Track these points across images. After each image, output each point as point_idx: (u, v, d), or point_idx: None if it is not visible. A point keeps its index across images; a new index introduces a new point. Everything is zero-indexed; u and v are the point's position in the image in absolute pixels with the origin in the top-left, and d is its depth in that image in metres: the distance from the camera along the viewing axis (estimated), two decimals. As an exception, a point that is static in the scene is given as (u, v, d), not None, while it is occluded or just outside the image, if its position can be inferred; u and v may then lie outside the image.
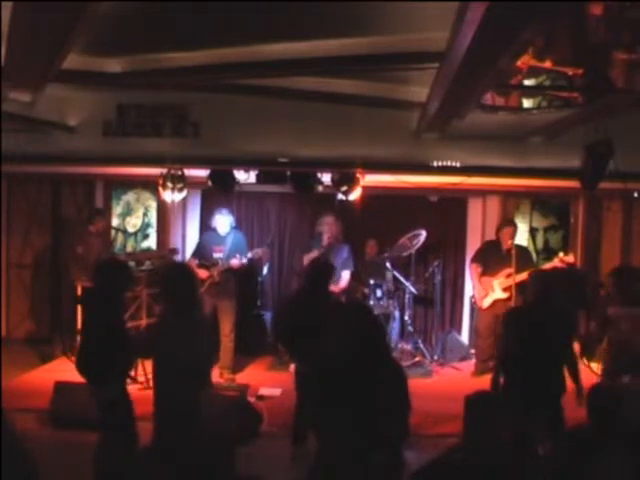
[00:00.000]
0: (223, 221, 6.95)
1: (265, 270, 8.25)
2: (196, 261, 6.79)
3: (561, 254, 6.96)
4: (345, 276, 7.08)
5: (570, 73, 4.19)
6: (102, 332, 4.30)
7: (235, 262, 6.71)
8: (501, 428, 2.90)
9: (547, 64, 4.05)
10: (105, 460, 4.22)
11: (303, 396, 5.01)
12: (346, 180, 6.67)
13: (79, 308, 7.10)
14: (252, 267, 7.85)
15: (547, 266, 6.99)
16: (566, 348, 4.65)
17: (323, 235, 6.99)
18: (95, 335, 4.37)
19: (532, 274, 5.11)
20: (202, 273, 6.56)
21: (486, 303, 7.19)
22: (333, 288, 6.64)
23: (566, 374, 4.58)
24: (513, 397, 4.28)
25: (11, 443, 2.56)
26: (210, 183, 6.91)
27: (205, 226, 7.81)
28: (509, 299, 6.69)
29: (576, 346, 7.93)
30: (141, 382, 6.07)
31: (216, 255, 6.87)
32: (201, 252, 7.00)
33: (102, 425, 4.35)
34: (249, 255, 6.82)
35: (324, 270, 5.22)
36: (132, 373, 5.41)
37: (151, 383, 5.99)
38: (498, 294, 7.09)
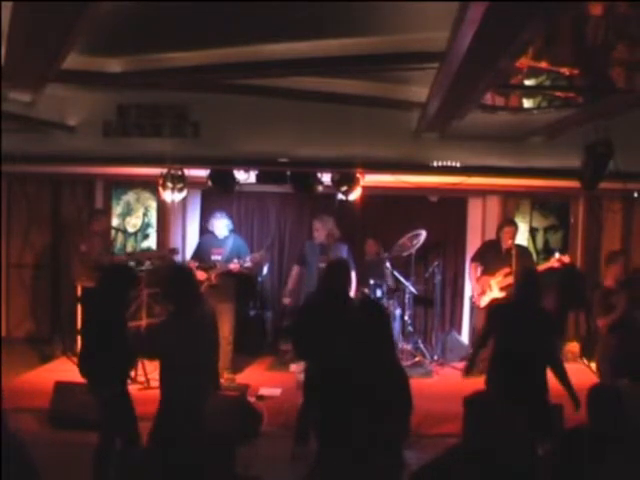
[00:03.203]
0: (220, 224, 6.95)
1: (265, 270, 8.25)
2: (196, 263, 6.77)
3: (557, 254, 6.99)
4: (353, 277, 7.08)
5: (570, 73, 4.19)
6: (103, 332, 4.31)
7: (234, 266, 6.70)
8: (501, 428, 2.90)
9: (546, 64, 4.05)
10: (104, 460, 4.22)
11: (312, 397, 4.94)
12: (346, 180, 6.67)
13: (79, 308, 7.12)
14: (251, 268, 7.84)
15: (543, 266, 7.00)
16: (548, 349, 4.69)
17: (317, 239, 6.99)
18: (96, 335, 4.38)
19: (521, 272, 5.15)
20: (200, 275, 6.54)
21: (483, 302, 7.19)
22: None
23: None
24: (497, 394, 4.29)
25: (11, 444, 2.55)
26: (210, 183, 6.89)
27: (204, 227, 7.80)
28: (507, 298, 6.68)
29: (576, 346, 8.00)
30: (141, 382, 6.07)
31: (214, 257, 6.86)
32: (200, 254, 6.99)
33: (103, 425, 4.36)
34: (248, 260, 6.74)
35: (342, 270, 5.05)
36: (132, 374, 5.40)
37: (151, 383, 6.03)
38: (495, 293, 7.09)
